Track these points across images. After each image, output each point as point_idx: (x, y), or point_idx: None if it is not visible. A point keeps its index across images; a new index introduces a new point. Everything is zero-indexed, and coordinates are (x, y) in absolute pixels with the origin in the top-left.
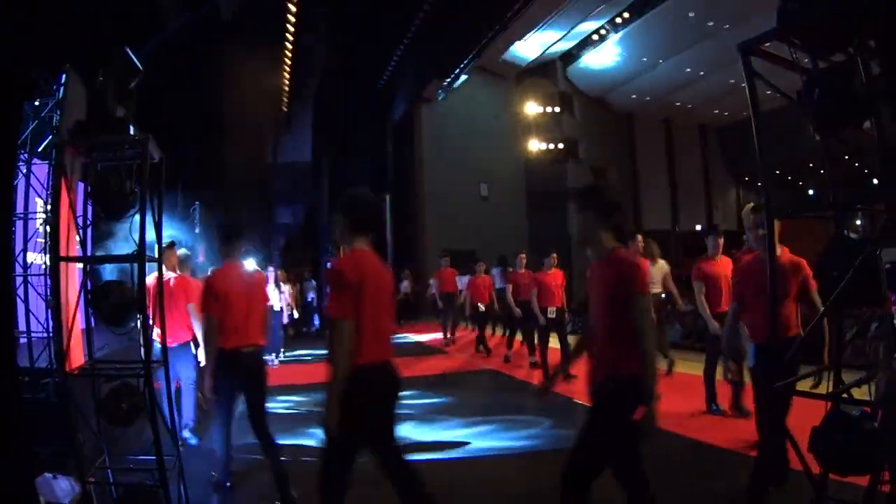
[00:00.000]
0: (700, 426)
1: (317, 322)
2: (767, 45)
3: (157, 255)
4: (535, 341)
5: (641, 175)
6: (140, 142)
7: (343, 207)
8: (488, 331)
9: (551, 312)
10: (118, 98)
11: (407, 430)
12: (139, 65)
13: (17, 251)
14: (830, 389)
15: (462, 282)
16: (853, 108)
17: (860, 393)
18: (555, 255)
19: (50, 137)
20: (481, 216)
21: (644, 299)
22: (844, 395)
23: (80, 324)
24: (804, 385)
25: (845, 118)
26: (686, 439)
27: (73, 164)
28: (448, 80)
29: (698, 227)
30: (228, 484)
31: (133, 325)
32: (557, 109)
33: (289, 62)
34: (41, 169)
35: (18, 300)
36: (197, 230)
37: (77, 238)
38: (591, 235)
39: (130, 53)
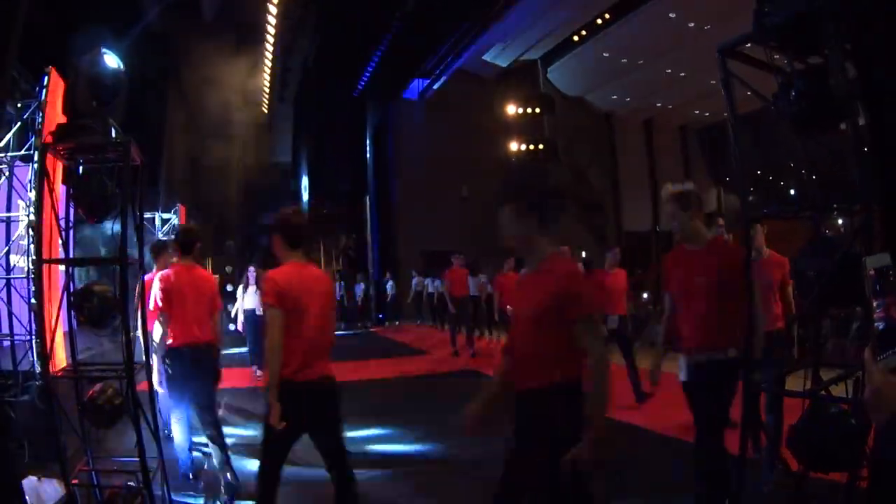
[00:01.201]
0: None
1: None
2: (747, 49)
3: (138, 257)
4: None
5: (622, 176)
6: (122, 144)
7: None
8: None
9: (612, 322)
10: (96, 99)
11: None
12: (121, 65)
13: None
14: (809, 387)
15: (472, 283)
16: (828, 109)
17: (838, 390)
18: (617, 249)
19: (33, 139)
20: (461, 217)
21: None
22: (823, 392)
23: (63, 326)
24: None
25: (821, 120)
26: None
27: (55, 165)
28: (428, 80)
29: None
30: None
31: (116, 325)
32: (538, 110)
33: (269, 63)
34: (23, 171)
35: (1, 302)
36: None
37: (59, 240)
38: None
39: (110, 53)
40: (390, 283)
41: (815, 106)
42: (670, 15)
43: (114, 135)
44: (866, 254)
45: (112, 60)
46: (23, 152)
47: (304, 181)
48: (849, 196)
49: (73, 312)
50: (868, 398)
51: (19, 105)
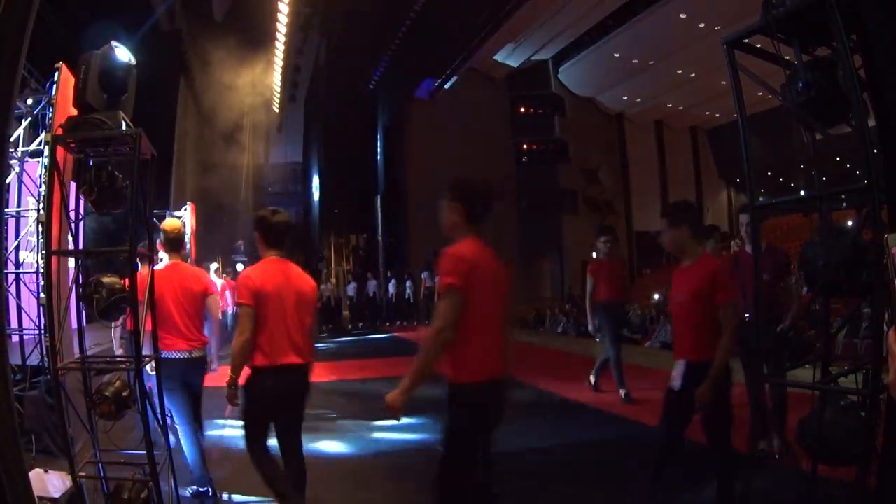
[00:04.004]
0: None
1: None
2: (757, 43)
3: (149, 250)
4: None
5: (632, 176)
6: (132, 137)
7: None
8: None
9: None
10: (108, 92)
11: None
12: (132, 59)
13: (8, 249)
14: (818, 379)
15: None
16: (836, 101)
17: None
18: None
19: (42, 135)
20: None
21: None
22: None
23: (72, 322)
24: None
25: (828, 111)
26: None
27: (65, 160)
28: (439, 80)
29: None
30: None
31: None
32: (548, 110)
33: (280, 62)
34: (33, 167)
35: (11, 297)
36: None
37: (69, 235)
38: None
39: (122, 47)
40: (408, 282)
41: (822, 97)
42: (681, 16)
43: (124, 127)
44: (872, 244)
45: (123, 54)
46: (33, 147)
47: (315, 181)
48: (857, 186)
49: (82, 305)
50: (893, 380)
51: (29, 101)
